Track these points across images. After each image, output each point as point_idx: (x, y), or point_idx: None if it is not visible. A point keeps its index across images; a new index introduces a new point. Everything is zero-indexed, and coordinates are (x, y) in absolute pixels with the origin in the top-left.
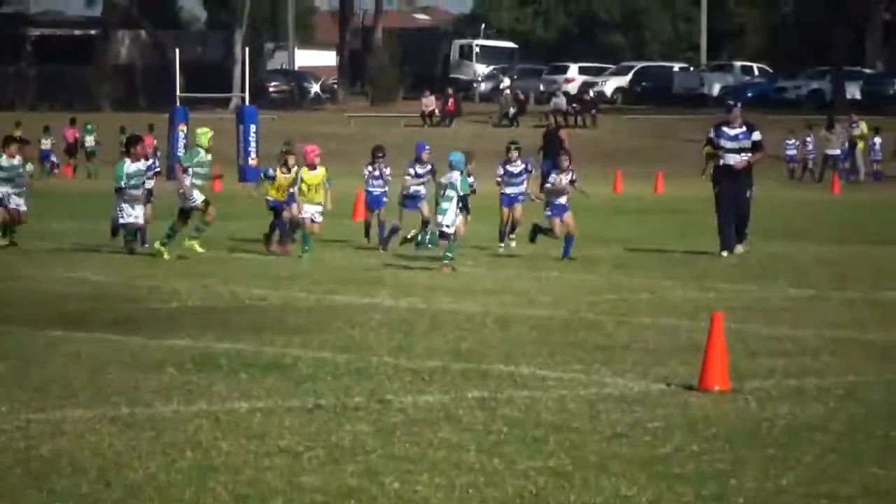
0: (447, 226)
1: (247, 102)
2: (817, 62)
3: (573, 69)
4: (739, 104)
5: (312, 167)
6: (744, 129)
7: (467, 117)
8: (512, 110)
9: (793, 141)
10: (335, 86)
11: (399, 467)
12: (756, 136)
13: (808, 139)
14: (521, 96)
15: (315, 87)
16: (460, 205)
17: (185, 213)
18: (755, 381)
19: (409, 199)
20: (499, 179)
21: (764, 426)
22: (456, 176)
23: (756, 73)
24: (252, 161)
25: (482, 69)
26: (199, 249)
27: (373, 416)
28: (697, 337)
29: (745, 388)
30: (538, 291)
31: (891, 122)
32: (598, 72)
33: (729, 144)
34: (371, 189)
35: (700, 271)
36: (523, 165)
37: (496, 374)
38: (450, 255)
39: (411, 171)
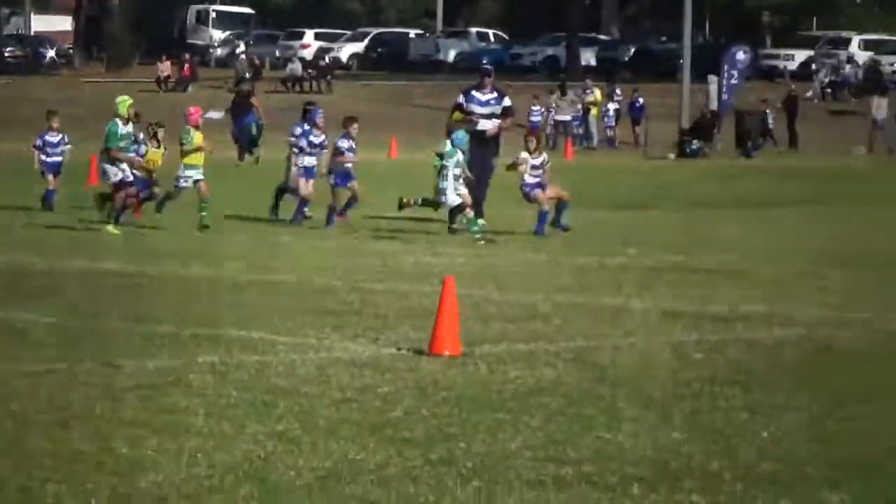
0: (452, 201)
1: None
2: (553, 28)
3: (309, 35)
4: (492, 69)
5: (196, 128)
6: (495, 94)
7: (203, 82)
8: (247, 76)
9: (538, 107)
10: (71, 51)
11: (129, 432)
12: (507, 101)
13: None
14: (257, 62)
15: (51, 53)
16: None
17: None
18: (486, 345)
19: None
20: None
21: (494, 390)
22: (461, 157)
23: (492, 39)
24: None
25: (218, 34)
26: (115, 231)
27: (103, 380)
28: (428, 302)
29: (476, 353)
30: (270, 257)
31: (625, 89)
32: (334, 38)
33: (480, 110)
34: None
35: (432, 237)
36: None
37: (227, 339)
38: (476, 227)
39: (303, 142)
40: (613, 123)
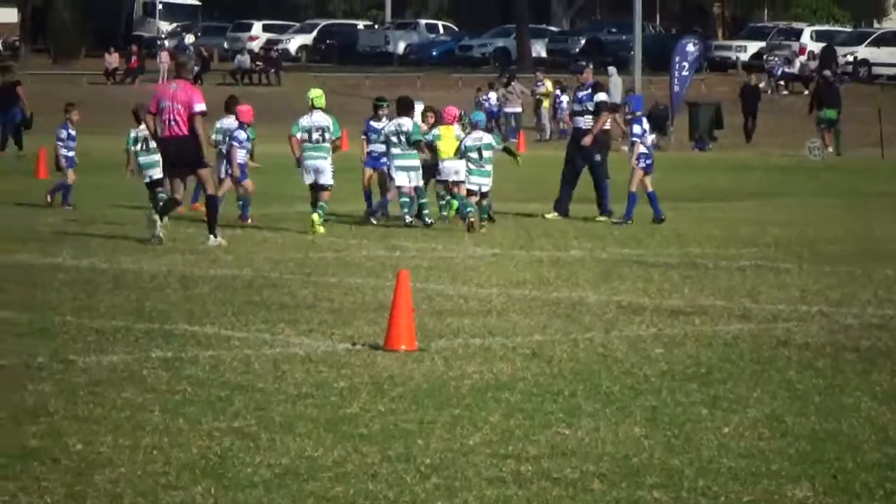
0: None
1: None
2: (502, 20)
3: (257, 27)
4: (589, 63)
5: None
6: (588, 91)
7: (151, 74)
8: (196, 68)
9: (487, 96)
10: (17, 43)
11: (83, 428)
12: (601, 96)
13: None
14: (205, 54)
15: None
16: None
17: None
18: (442, 340)
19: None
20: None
21: (451, 386)
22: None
23: (441, 31)
24: None
25: (165, 26)
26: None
27: (56, 376)
28: (383, 296)
29: (432, 348)
30: (221, 250)
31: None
32: (283, 30)
33: (574, 107)
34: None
35: (386, 231)
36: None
37: (180, 334)
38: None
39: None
40: (567, 115)
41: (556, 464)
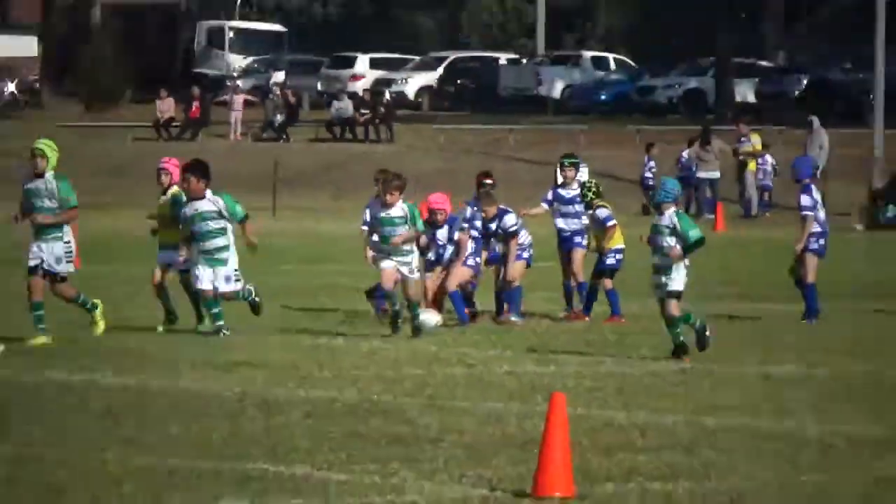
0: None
1: None
2: (697, 53)
3: (363, 61)
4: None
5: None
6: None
7: (218, 127)
8: (279, 118)
9: (652, 162)
10: (37, 85)
11: None
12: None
13: (683, 158)
14: (292, 98)
15: (10, 87)
16: None
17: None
18: (609, 484)
19: None
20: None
21: None
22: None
23: (613, 66)
24: None
25: (238, 60)
26: None
27: None
28: (531, 426)
29: (597, 494)
30: (313, 364)
31: (793, 136)
32: (397, 65)
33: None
34: None
35: (537, 338)
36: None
37: (260, 476)
38: None
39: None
40: (770, 183)
41: None
